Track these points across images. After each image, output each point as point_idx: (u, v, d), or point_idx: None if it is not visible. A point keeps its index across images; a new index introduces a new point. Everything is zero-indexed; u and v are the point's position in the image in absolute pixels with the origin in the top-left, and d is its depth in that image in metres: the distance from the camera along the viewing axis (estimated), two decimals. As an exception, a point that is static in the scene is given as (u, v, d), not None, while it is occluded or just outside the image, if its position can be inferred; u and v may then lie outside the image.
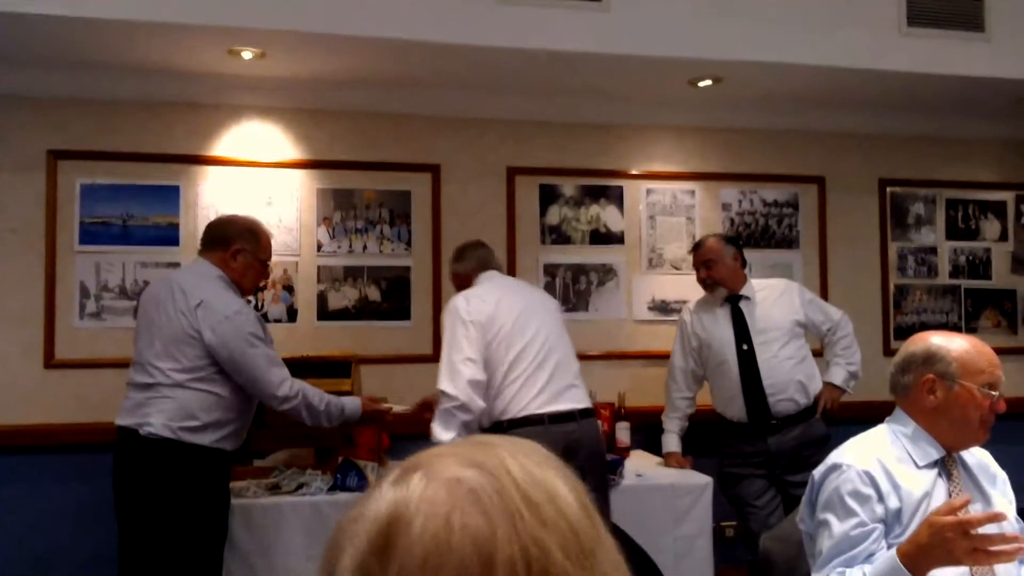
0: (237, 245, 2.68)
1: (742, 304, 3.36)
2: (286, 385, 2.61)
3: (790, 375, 3.27)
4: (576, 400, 2.80)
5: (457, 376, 2.66)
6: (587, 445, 2.73)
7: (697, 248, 3.45)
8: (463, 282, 3.00)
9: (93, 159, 3.47)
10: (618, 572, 0.59)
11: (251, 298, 3.51)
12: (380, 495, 0.58)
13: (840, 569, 1.70)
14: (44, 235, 3.40)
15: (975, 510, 1.80)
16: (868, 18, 3.42)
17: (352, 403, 2.78)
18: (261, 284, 3.41)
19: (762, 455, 3.26)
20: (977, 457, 1.91)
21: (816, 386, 3.33)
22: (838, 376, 3.38)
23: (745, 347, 3.30)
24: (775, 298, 3.38)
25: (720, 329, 3.36)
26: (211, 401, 2.54)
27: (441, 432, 2.63)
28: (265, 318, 3.52)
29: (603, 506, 2.71)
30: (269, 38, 3.03)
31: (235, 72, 3.37)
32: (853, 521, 1.73)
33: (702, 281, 3.40)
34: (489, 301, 2.80)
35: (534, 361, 2.76)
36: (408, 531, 0.54)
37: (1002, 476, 1.93)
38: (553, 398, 2.75)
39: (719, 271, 3.35)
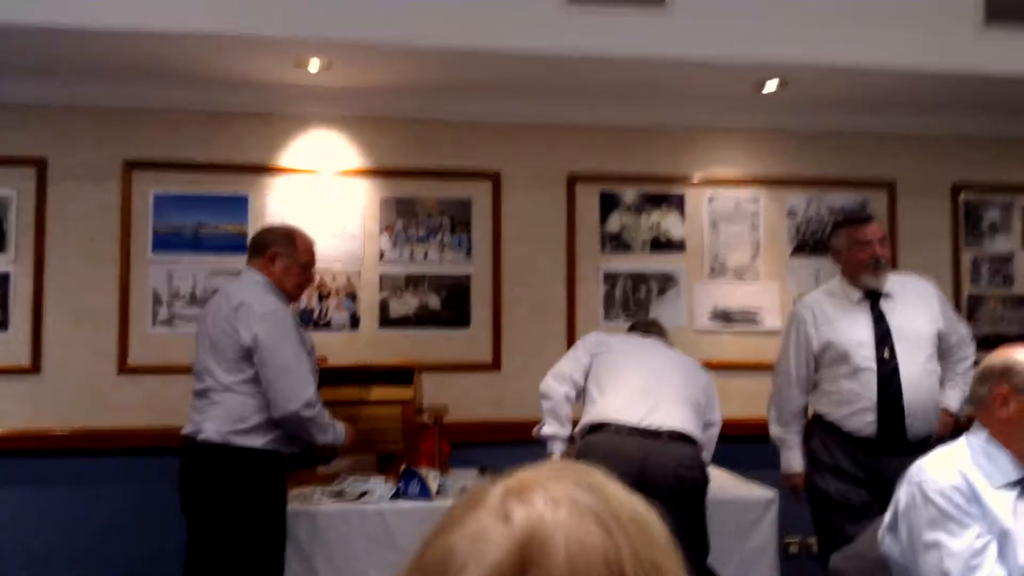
0: (272, 249, 2.78)
1: (884, 303, 2.93)
2: (311, 391, 2.61)
3: (931, 392, 2.87)
4: (670, 423, 2.67)
5: (547, 375, 2.91)
6: (670, 466, 2.58)
7: (865, 222, 3.01)
8: None
9: (165, 169, 3.57)
10: None
11: (315, 307, 3.59)
12: (500, 514, 0.59)
13: None
14: (119, 243, 3.52)
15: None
16: (943, 15, 3.29)
17: (343, 429, 2.77)
18: (315, 288, 3.48)
19: (876, 479, 2.80)
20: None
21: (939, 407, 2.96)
22: (955, 400, 2.97)
23: (887, 355, 2.85)
24: (915, 299, 2.95)
25: (857, 330, 2.90)
26: (259, 402, 2.60)
27: (540, 428, 2.88)
28: (328, 325, 3.59)
29: (697, 540, 2.55)
30: (335, 48, 3.08)
31: (302, 82, 3.44)
32: (970, 533, 1.67)
33: (873, 259, 2.92)
34: (612, 337, 3.04)
35: (633, 380, 2.78)
36: (548, 551, 0.55)
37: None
38: (642, 413, 2.68)
39: (890, 252, 2.97)
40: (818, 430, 3.00)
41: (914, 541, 1.74)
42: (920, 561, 1.72)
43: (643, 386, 2.75)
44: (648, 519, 0.61)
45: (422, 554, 0.60)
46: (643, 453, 2.58)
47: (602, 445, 2.59)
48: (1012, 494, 1.74)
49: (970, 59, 3.31)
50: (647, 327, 3.21)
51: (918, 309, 2.93)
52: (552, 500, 0.58)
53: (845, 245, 2.99)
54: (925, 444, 2.66)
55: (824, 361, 2.95)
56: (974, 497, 1.71)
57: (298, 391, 2.57)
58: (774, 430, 3.08)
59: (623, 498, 0.61)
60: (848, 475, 2.87)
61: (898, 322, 2.89)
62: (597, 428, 2.70)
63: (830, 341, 2.92)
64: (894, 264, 3.98)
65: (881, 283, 2.93)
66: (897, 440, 2.81)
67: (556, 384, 2.85)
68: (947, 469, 1.76)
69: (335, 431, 2.73)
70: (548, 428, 2.83)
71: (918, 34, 3.28)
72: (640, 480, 2.48)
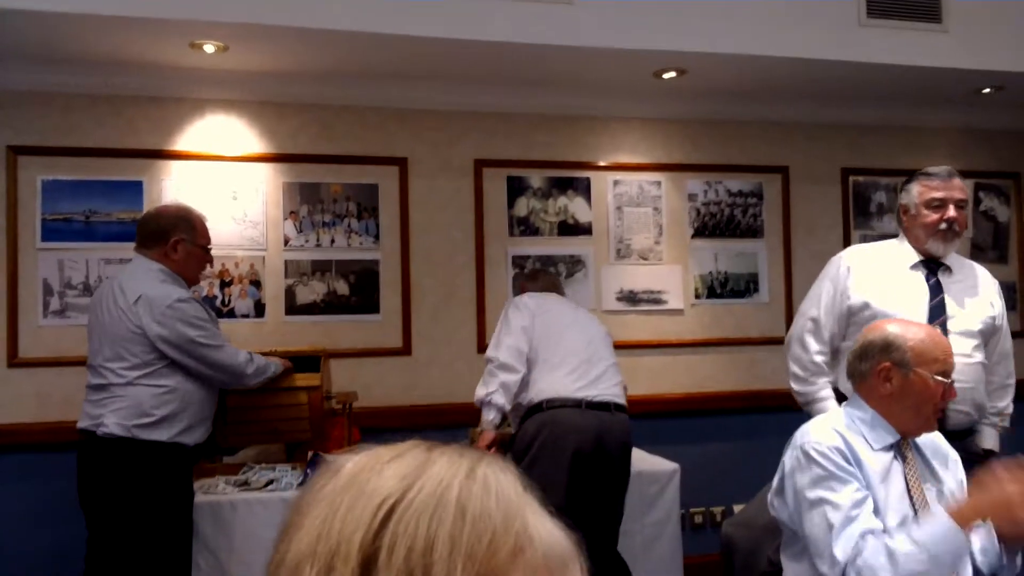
0: (175, 236, 2.68)
1: (943, 275, 2.56)
2: (243, 357, 2.70)
3: (978, 384, 2.46)
4: (613, 395, 2.94)
5: (502, 344, 2.92)
6: (618, 436, 2.87)
7: (940, 177, 2.59)
8: None
9: (54, 155, 3.41)
10: None
11: (217, 294, 3.51)
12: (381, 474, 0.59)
13: (868, 536, 1.71)
14: (5, 232, 3.35)
15: (928, 493, 1.86)
16: (829, 10, 3.46)
17: (276, 364, 2.91)
18: (210, 273, 3.40)
19: None
20: (929, 439, 1.96)
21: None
22: (990, 441, 2.54)
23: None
24: (976, 282, 2.60)
25: (907, 297, 2.50)
26: (162, 395, 2.55)
27: (481, 389, 2.89)
28: (232, 314, 3.52)
29: (624, 496, 2.72)
30: (232, 31, 3.00)
31: (198, 65, 3.34)
32: (852, 487, 1.77)
33: (947, 223, 2.51)
34: (546, 301, 3.12)
35: (579, 353, 2.93)
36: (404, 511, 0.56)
37: (954, 456, 1.98)
38: (592, 386, 2.89)
39: (965, 220, 2.54)
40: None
41: (800, 501, 1.82)
42: (806, 519, 1.80)
43: (586, 360, 2.93)
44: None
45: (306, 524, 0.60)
46: (599, 425, 2.83)
47: (567, 419, 2.81)
48: (889, 455, 1.86)
49: (853, 50, 3.49)
50: (556, 287, 3.33)
51: (977, 293, 2.57)
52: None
53: (916, 201, 2.60)
54: (964, 436, 2.41)
55: (855, 323, 2.53)
56: (853, 457, 1.82)
57: (236, 369, 2.67)
58: (797, 388, 2.64)
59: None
60: None
61: (956, 300, 2.52)
62: (554, 402, 2.85)
63: (868, 302, 2.52)
64: (787, 245, 4.18)
65: (948, 251, 2.56)
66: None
67: (515, 361, 2.89)
68: (827, 432, 1.86)
69: (275, 367, 2.86)
70: (499, 398, 2.86)
71: (806, 26, 3.43)
72: (598, 449, 2.78)
